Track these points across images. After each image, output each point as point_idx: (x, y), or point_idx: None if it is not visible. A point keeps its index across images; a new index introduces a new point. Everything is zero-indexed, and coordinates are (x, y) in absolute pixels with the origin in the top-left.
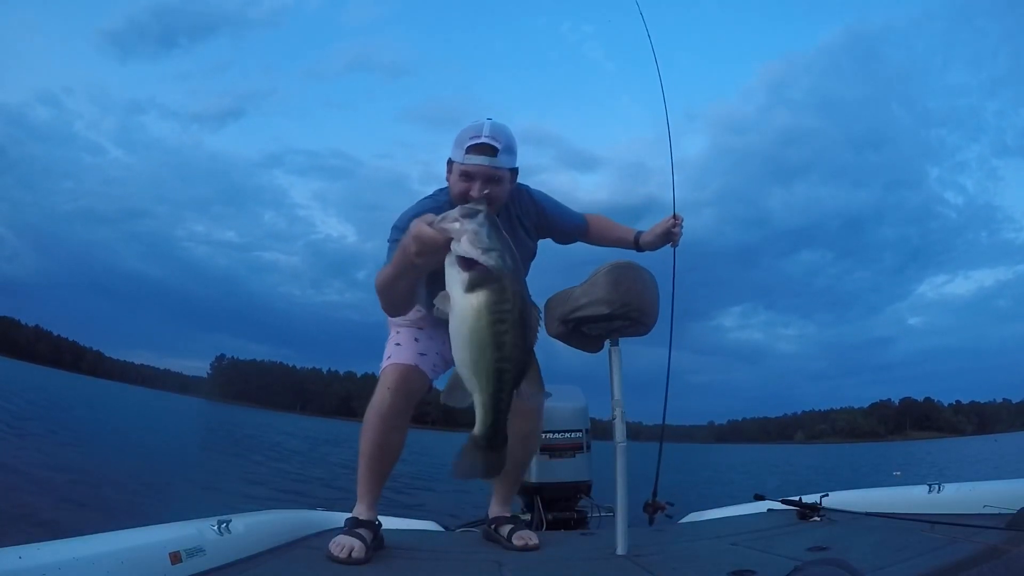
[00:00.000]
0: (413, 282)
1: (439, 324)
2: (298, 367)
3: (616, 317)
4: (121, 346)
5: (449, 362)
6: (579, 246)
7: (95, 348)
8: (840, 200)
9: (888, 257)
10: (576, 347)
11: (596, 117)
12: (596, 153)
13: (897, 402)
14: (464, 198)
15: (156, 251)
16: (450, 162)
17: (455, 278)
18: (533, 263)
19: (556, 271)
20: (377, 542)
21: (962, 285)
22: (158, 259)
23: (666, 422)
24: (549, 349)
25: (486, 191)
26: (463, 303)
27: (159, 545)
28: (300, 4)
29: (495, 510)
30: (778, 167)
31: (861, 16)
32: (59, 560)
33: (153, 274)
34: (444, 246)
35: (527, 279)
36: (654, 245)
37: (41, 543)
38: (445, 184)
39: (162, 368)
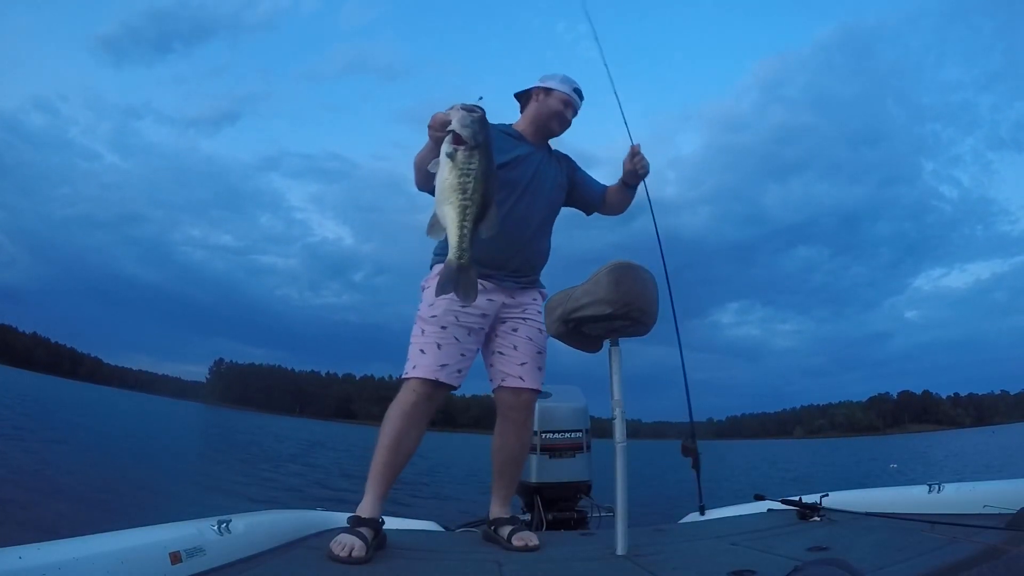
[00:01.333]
0: (428, 156)
1: (460, 323)
2: (296, 370)
3: (617, 317)
4: (119, 352)
5: (470, 360)
6: (573, 244)
7: (93, 354)
8: (836, 196)
9: (884, 252)
10: (576, 347)
11: (592, 117)
12: (592, 152)
13: (895, 395)
14: (560, 119)
15: (153, 256)
16: (540, 90)
17: (444, 147)
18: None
19: (555, 271)
20: (379, 541)
21: (958, 278)
22: (155, 264)
23: (664, 420)
24: (548, 348)
25: (569, 119)
26: (443, 161)
27: (159, 545)
28: (296, 7)
29: (495, 511)
30: (774, 164)
31: (855, 13)
32: (59, 560)
33: (150, 279)
34: (444, 125)
35: (552, 203)
36: (631, 180)
37: (41, 543)
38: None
39: (160, 373)
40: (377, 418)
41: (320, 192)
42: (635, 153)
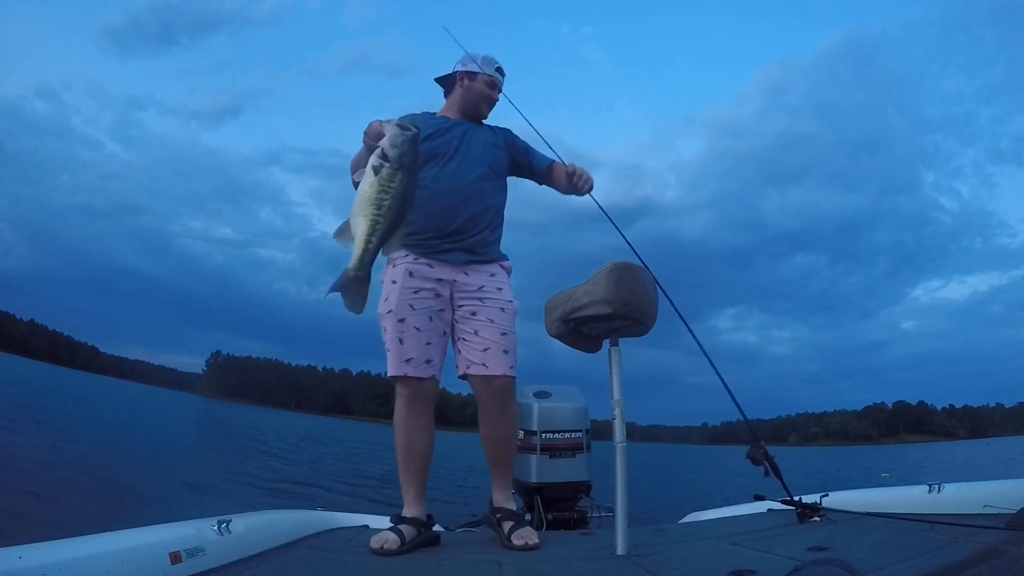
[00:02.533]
0: (363, 159)
1: (417, 311)
2: (293, 364)
3: (617, 317)
4: (116, 341)
5: (440, 347)
6: (569, 246)
7: (90, 343)
8: (835, 204)
9: (882, 261)
10: (575, 347)
11: (593, 119)
12: (593, 155)
13: (890, 405)
14: (487, 99)
15: (152, 247)
16: (464, 74)
17: (372, 159)
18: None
19: (552, 271)
20: (425, 538)
21: (956, 290)
22: (154, 255)
23: (660, 423)
24: (547, 349)
25: (496, 98)
26: (368, 174)
27: (159, 545)
28: (300, 4)
29: (497, 499)
30: (774, 171)
31: (858, 22)
32: (59, 560)
33: (149, 270)
34: (378, 136)
35: (487, 161)
36: (562, 184)
37: (41, 543)
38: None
39: (157, 364)
40: (372, 414)
41: (320, 187)
42: (571, 173)
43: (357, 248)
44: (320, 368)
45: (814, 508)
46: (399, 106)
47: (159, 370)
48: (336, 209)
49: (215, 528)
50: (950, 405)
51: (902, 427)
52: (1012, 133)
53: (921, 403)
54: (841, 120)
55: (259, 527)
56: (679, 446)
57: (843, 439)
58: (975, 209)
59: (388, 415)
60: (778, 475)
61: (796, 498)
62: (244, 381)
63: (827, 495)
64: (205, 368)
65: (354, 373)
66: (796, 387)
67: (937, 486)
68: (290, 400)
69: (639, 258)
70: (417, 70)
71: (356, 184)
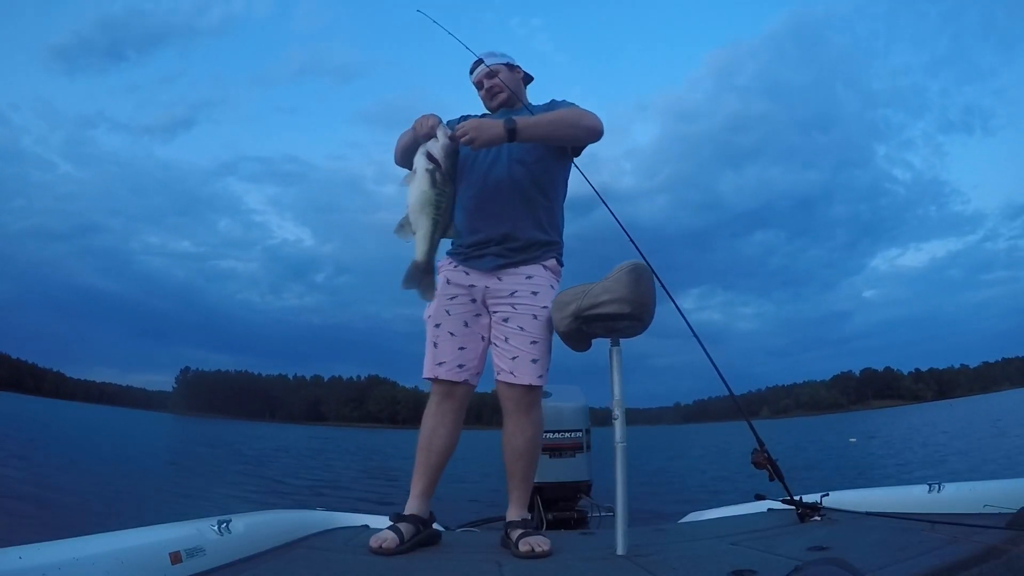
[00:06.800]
0: (409, 146)
1: (452, 316)
2: (264, 375)
3: (630, 317)
4: (82, 365)
5: (475, 352)
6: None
7: (56, 369)
8: (790, 181)
9: (840, 234)
10: (573, 346)
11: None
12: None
13: (858, 373)
14: (487, 98)
15: (112, 266)
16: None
17: (423, 161)
18: None
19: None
20: (425, 537)
21: (914, 257)
22: (114, 274)
23: (633, 406)
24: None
25: (490, 86)
26: (423, 175)
27: (159, 545)
28: (248, 12)
29: (509, 513)
30: (728, 152)
31: (804, 2)
32: (59, 560)
33: (110, 289)
34: (427, 135)
35: (510, 149)
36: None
37: (41, 543)
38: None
39: (125, 385)
40: (347, 419)
41: (278, 194)
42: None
43: (424, 243)
44: (291, 376)
45: (815, 508)
46: (354, 108)
47: (128, 391)
48: (296, 215)
49: (215, 528)
50: (916, 369)
51: (871, 393)
52: (960, 104)
53: (888, 369)
54: (792, 99)
55: (259, 527)
56: (656, 427)
57: (814, 409)
58: (928, 179)
59: (363, 419)
60: (781, 478)
61: (797, 498)
62: (216, 395)
63: (827, 495)
64: (175, 385)
65: (326, 379)
66: (764, 361)
67: (937, 486)
68: (264, 411)
69: (640, 253)
70: (369, 72)
71: (398, 159)
